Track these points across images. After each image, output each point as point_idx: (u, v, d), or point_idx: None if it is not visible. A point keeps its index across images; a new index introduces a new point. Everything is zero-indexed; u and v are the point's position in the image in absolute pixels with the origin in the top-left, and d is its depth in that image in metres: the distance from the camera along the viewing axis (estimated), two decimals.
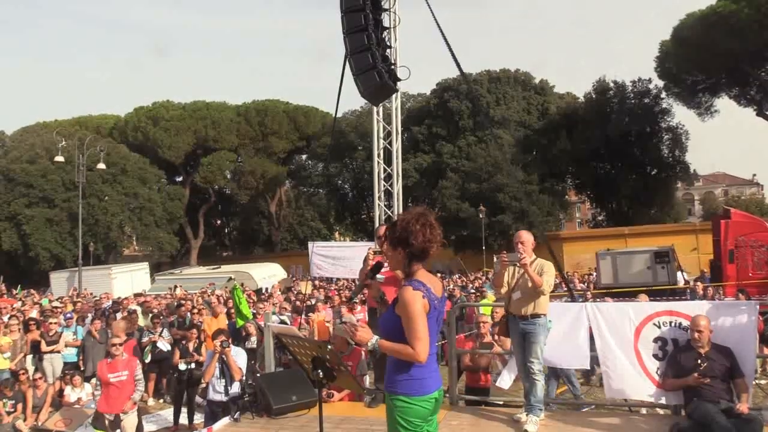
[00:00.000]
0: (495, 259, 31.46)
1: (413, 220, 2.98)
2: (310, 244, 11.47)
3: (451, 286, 19.33)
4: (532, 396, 5.17)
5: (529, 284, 5.14)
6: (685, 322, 5.37)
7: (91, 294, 22.62)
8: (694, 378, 4.85)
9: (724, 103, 40.83)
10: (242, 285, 19.93)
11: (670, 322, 5.46)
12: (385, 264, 3.48)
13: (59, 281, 30.62)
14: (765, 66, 35.03)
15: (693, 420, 4.80)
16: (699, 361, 4.91)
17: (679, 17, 35.90)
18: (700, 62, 33.90)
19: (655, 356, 5.44)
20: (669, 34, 36.27)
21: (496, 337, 6.86)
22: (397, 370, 2.95)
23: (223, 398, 6.94)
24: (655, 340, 5.47)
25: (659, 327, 5.48)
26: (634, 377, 5.46)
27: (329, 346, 3.73)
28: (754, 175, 79.39)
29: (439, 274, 7.71)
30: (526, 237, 5.37)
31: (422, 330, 2.87)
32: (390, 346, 2.94)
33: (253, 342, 9.81)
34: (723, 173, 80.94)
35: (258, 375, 6.72)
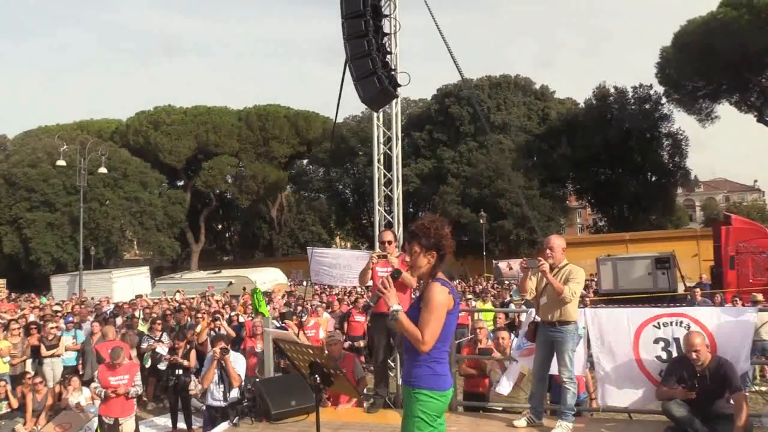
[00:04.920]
0: (494, 264, 31.15)
1: (442, 225, 3.10)
2: (309, 249, 11.38)
3: None
4: (562, 403, 5.09)
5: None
6: (686, 321, 5.33)
7: (92, 298, 22.62)
8: (681, 392, 4.81)
9: (724, 109, 41.01)
10: (243, 289, 20.05)
11: (671, 322, 5.41)
12: (404, 271, 3.51)
13: (60, 285, 30.65)
14: (765, 72, 35.08)
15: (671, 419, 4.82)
16: (694, 381, 4.82)
17: (680, 23, 36.05)
18: (701, 68, 33.97)
19: (658, 358, 5.38)
20: (670, 40, 36.45)
21: (500, 340, 6.79)
22: (420, 365, 3.02)
23: (222, 404, 6.93)
24: (656, 341, 5.41)
25: (659, 327, 5.43)
26: (634, 382, 5.41)
27: (326, 352, 3.75)
28: (756, 181, 79.14)
29: None
30: (555, 242, 5.15)
31: (436, 322, 2.96)
32: (406, 322, 2.99)
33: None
34: (724, 179, 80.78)
35: (257, 380, 6.71)
